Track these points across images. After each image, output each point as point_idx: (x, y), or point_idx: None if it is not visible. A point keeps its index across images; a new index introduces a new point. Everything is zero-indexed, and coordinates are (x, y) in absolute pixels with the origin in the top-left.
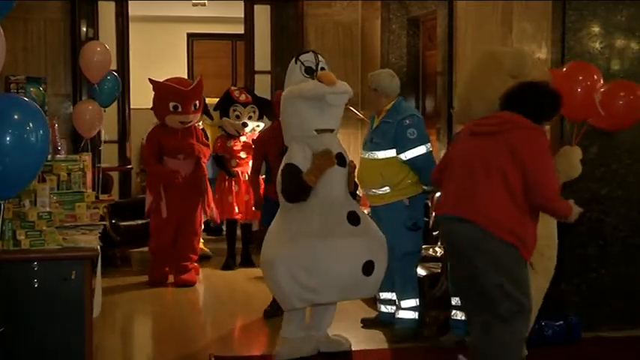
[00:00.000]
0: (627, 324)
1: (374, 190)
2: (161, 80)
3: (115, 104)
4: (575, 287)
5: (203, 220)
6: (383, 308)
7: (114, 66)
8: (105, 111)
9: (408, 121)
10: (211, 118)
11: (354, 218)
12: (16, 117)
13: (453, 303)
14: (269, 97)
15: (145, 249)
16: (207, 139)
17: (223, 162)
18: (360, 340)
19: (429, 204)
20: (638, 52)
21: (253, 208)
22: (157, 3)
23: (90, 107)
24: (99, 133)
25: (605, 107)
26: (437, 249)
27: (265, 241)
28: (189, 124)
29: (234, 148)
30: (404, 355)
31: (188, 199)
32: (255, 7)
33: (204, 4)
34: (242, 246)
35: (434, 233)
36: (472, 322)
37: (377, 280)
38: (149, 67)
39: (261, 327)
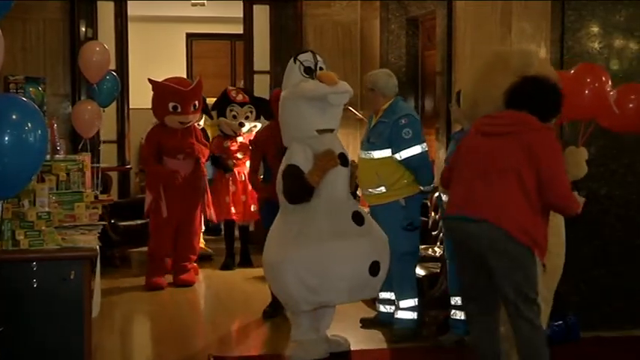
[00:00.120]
0: (626, 324)
1: (370, 190)
2: (160, 80)
3: (114, 104)
4: (574, 287)
5: (203, 221)
6: (382, 308)
7: (113, 66)
8: (104, 111)
9: (403, 121)
10: (211, 117)
11: (358, 218)
12: (14, 117)
13: (453, 303)
14: (268, 97)
15: (145, 249)
16: (207, 139)
17: (220, 161)
18: (359, 340)
19: (428, 204)
20: (636, 52)
21: (252, 208)
22: (156, 3)
23: (89, 107)
24: (98, 133)
25: (619, 107)
26: (436, 249)
27: (268, 244)
28: (189, 125)
29: (231, 148)
30: (403, 355)
31: (188, 199)
32: (254, 7)
33: (203, 4)
34: (241, 245)
35: (433, 233)
36: (477, 321)
37: (381, 280)
38: (148, 67)
39: (260, 327)
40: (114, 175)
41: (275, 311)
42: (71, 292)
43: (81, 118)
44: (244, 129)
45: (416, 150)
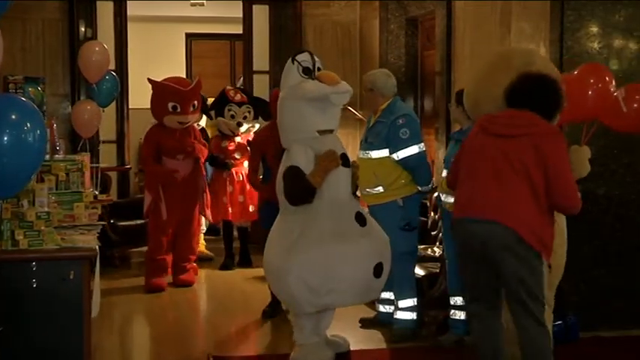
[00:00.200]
0: (626, 323)
1: (368, 190)
2: (160, 80)
3: (113, 104)
4: (574, 287)
5: (204, 222)
6: (381, 308)
7: (112, 66)
8: (103, 111)
9: (400, 121)
10: (211, 117)
11: (361, 219)
12: (13, 117)
13: (452, 303)
14: (267, 97)
15: (144, 249)
16: (207, 138)
17: (218, 161)
18: (358, 340)
19: (428, 204)
20: (636, 52)
21: (250, 209)
22: (156, 3)
23: (88, 107)
24: (97, 133)
25: (627, 106)
26: (435, 249)
27: (269, 247)
28: (188, 125)
29: (229, 148)
30: (403, 355)
31: (187, 199)
32: (254, 7)
33: (202, 4)
34: (240, 245)
35: (432, 233)
36: (479, 322)
37: (384, 281)
38: (147, 67)
39: (260, 327)
40: (113, 175)
41: (274, 311)
42: (70, 292)
43: (80, 118)
44: (242, 129)
45: (413, 150)
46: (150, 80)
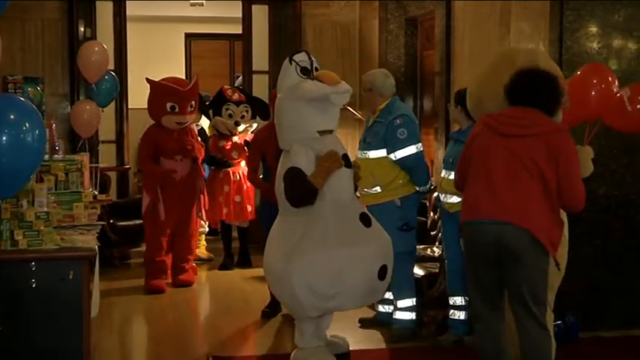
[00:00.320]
0: (625, 323)
1: (366, 190)
2: (158, 80)
3: (112, 104)
4: (573, 287)
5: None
6: (381, 308)
7: (112, 66)
8: (103, 111)
9: (398, 121)
10: (209, 117)
11: (365, 219)
12: (12, 117)
13: (451, 303)
14: (267, 97)
15: (144, 249)
16: (206, 138)
17: (217, 160)
18: (358, 340)
19: (427, 204)
20: (635, 52)
21: (248, 209)
22: (155, 3)
23: (88, 107)
24: (96, 133)
25: (632, 105)
26: (435, 249)
27: (269, 250)
28: (185, 125)
29: (226, 148)
30: (402, 355)
31: (185, 200)
32: (253, 7)
33: (202, 4)
34: (240, 246)
35: (431, 233)
36: (482, 322)
37: (387, 283)
38: (147, 67)
39: (259, 327)
40: (112, 175)
41: (274, 311)
42: (70, 292)
43: (80, 118)
44: (240, 128)
45: (411, 150)
46: (148, 80)
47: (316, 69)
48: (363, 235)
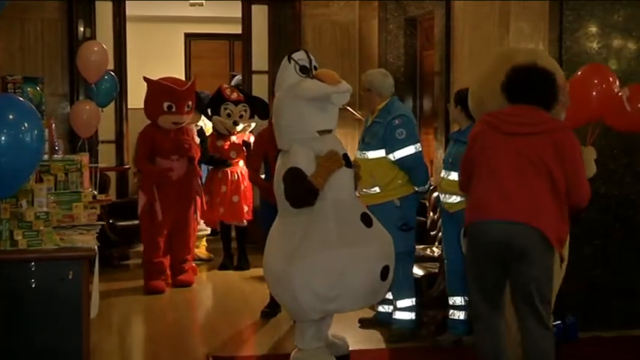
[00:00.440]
0: (625, 323)
1: (365, 190)
2: (155, 79)
3: (112, 104)
4: (573, 287)
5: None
6: (380, 308)
7: (111, 66)
8: (102, 111)
9: (397, 121)
10: (208, 116)
11: (367, 219)
12: (11, 117)
13: (451, 303)
14: (266, 97)
15: (142, 249)
16: (204, 138)
17: (215, 160)
18: (357, 340)
19: (427, 204)
20: (635, 52)
21: (245, 209)
22: (155, 3)
23: (87, 107)
24: (96, 133)
25: (631, 105)
26: (434, 249)
27: (269, 252)
28: (182, 125)
29: (225, 147)
30: (402, 355)
31: (182, 200)
32: (253, 7)
33: (201, 4)
34: (238, 247)
35: (431, 233)
36: (483, 321)
37: (389, 283)
38: (146, 67)
39: (259, 327)
40: (112, 175)
41: (273, 311)
42: (69, 292)
43: (79, 118)
44: (238, 128)
45: (409, 150)
46: (146, 79)
47: (315, 68)
48: (365, 235)
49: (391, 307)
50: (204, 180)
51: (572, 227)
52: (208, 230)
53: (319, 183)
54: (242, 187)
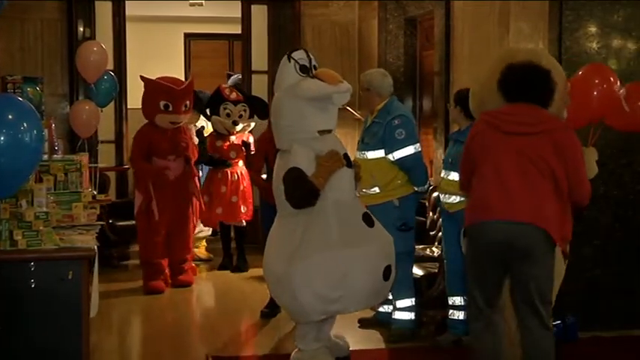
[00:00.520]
0: (625, 323)
1: (364, 190)
2: (153, 78)
3: (111, 104)
4: (572, 287)
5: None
6: (380, 308)
7: (111, 66)
8: (102, 111)
9: (396, 122)
10: (207, 116)
11: (368, 219)
12: (10, 117)
13: (450, 303)
14: (266, 97)
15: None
16: (203, 138)
17: (215, 160)
18: (357, 340)
19: (426, 204)
20: (634, 52)
21: (242, 209)
22: (154, 3)
23: (87, 107)
24: (96, 133)
25: (630, 104)
26: (434, 249)
27: (269, 253)
28: (179, 125)
29: (224, 147)
30: (401, 355)
31: (179, 200)
32: (253, 7)
33: (201, 4)
34: (236, 248)
35: (431, 233)
36: (482, 321)
37: (391, 283)
38: (146, 67)
39: (258, 327)
40: (112, 175)
41: (273, 311)
42: (69, 292)
43: (79, 118)
44: (238, 128)
45: (409, 150)
46: (142, 78)
47: (315, 67)
48: (367, 235)
49: (391, 307)
50: (202, 180)
51: (574, 225)
52: (209, 231)
53: (320, 183)
54: (241, 187)
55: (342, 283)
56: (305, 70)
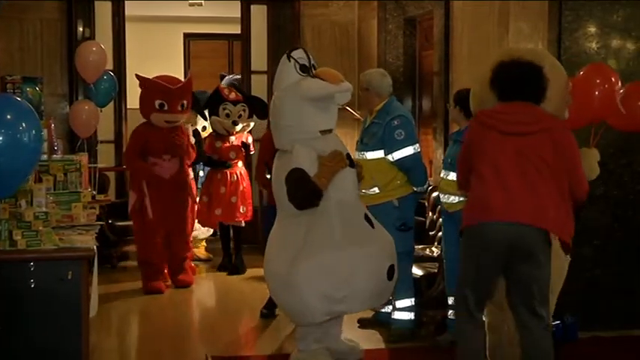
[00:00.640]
0: (624, 323)
1: (364, 191)
2: (150, 77)
3: (111, 104)
4: (572, 287)
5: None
6: (380, 308)
7: (110, 66)
8: (101, 111)
9: (396, 122)
10: (205, 118)
11: (368, 220)
12: (8, 117)
13: (450, 302)
14: (266, 97)
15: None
16: (199, 139)
17: (214, 161)
18: (357, 340)
19: (425, 204)
20: (634, 52)
21: (241, 210)
22: (154, 3)
23: (86, 107)
24: (95, 133)
25: (627, 106)
26: (433, 249)
27: (270, 256)
28: (176, 124)
29: (224, 148)
30: (401, 355)
31: (176, 199)
32: (252, 7)
33: (200, 4)
34: (234, 250)
35: (430, 233)
36: (469, 322)
37: (394, 283)
38: (146, 67)
39: (258, 327)
40: (111, 175)
41: (272, 311)
42: (69, 292)
43: (78, 118)
44: (237, 128)
45: (408, 151)
46: (138, 76)
47: (314, 67)
48: (370, 235)
49: (390, 307)
50: (198, 181)
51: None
52: (210, 231)
53: (323, 184)
54: (241, 187)
55: (347, 283)
56: (305, 69)
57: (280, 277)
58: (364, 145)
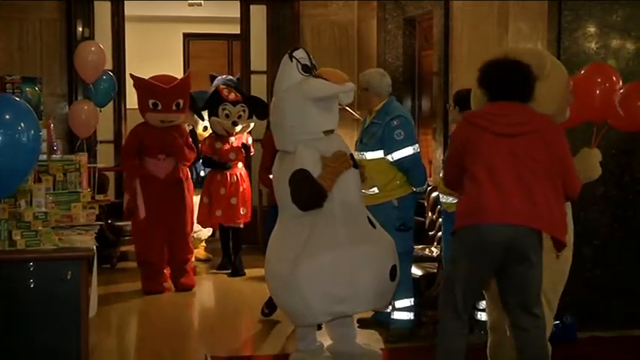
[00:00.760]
0: (624, 324)
1: (363, 191)
2: (146, 77)
3: (110, 104)
4: (572, 287)
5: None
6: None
7: (110, 66)
8: (101, 111)
9: (395, 122)
10: (202, 118)
11: (370, 221)
12: (7, 117)
13: None
14: (265, 98)
15: None
16: (196, 140)
17: (213, 162)
18: (357, 340)
19: (425, 204)
20: (633, 52)
21: (242, 211)
22: (153, 3)
23: (85, 107)
24: (94, 133)
25: (624, 108)
26: (433, 249)
27: (271, 257)
28: (171, 124)
29: (224, 149)
30: (400, 355)
31: (173, 200)
32: (251, 7)
33: (200, 4)
34: (233, 252)
35: (430, 233)
36: (456, 323)
37: (396, 284)
38: (145, 67)
39: (257, 327)
40: (111, 175)
41: (272, 311)
42: (68, 292)
43: (77, 118)
44: (237, 128)
45: (408, 151)
46: (131, 76)
47: (314, 66)
48: (372, 235)
49: (390, 307)
50: (203, 181)
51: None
52: (209, 231)
53: (328, 185)
54: (241, 189)
55: (349, 283)
56: (307, 69)
57: (281, 278)
58: (363, 145)
